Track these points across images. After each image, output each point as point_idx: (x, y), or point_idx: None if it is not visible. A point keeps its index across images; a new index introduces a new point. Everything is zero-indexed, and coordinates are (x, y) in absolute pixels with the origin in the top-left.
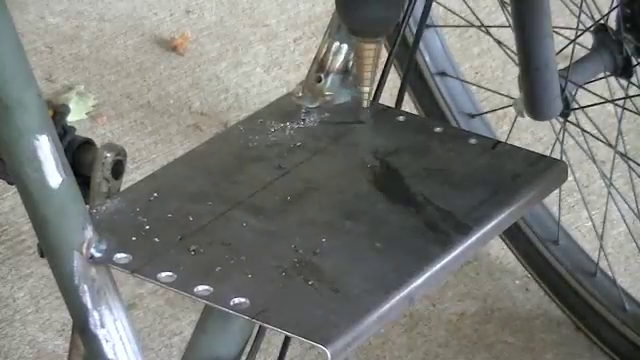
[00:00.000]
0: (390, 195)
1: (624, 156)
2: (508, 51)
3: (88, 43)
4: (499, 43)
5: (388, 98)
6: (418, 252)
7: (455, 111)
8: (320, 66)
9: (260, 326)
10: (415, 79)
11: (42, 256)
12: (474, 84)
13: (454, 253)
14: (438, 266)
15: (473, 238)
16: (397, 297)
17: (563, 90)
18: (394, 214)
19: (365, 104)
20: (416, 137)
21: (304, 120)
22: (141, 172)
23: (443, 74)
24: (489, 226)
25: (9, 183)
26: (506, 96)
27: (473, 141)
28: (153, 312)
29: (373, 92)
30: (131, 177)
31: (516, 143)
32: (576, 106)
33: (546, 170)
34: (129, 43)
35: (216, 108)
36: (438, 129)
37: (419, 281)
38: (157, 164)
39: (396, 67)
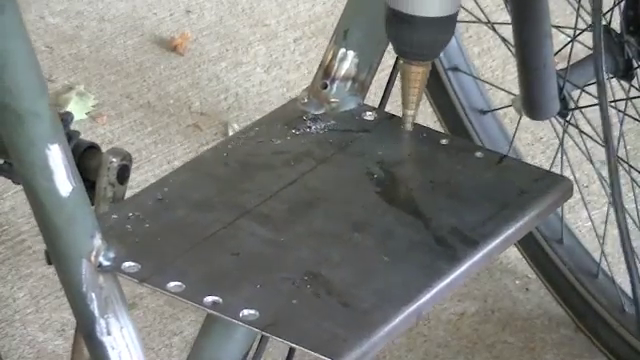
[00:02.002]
0: (397, 207)
1: (623, 161)
2: (512, 49)
3: (88, 43)
4: (503, 40)
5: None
6: (426, 267)
7: (467, 107)
8: (326, 73)
9: None
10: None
11: (50, 263)
12: (487, 82)
13: (462, 269)
14: (446, 282)
15: (480, 254)
16: (406, 312)
17: (562, 90)
18: (401, 227)
19: (408, 127)
20: (422, 148)
21: (310, 127)
22: (141, 172)
23: (456, 69)
24: (496, 242)
25: (15, 182)
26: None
27: (479, 154)
28: (153, 312)
29: (416, 115)
30: (131, 177)
31: (516, 143)
32: (574, 107)
33: (551, 187)
34: (129, 43)
35: (216, 108)
36: (444, 141)
37: (427, 297)
38: (157, 164)
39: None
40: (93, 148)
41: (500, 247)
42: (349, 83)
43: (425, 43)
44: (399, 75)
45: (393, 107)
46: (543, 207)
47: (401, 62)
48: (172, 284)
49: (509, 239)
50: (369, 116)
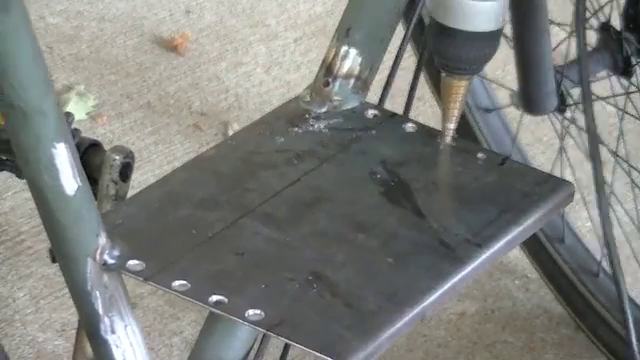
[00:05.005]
0: (400, 208)
1: (620, 157)
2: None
3: (88, 43)
4: (505, 37)
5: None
6: (430, 269)
7: (472, 105)
8: (328, 70)
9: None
10: (434, 72)
11: (54, 261)
12: (492, 80)
13: (465, 271)
14: (449, 284)
15: (483, 256)
16: (410, 315)
17: (559, 86)
18: (405, 228)
19: (448, 140)
20: (424, 149)
21: (312, 125)
22: (141, 172)
23: None
24: (499, 245)
25: (20, 177)
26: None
27: (481, 155)
28: (153, 312)
29: (453, 129)
30: (131, 177)
31: (519, 142)
32: (572, 103)
33: (554, 191)
34: (129, 43)
35: (216, 108)
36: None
37: (431, 299)
38: (157, 164)
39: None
40: (95, 146)
41: (502, 250)
42: (351, 81)
43: (472, 58)
44: (440, 88)
45: (393, 107)
46: (545, 211)
47: (443, 76)
48: (177, 283)
49: (511, 242)
50: (371, 114)
